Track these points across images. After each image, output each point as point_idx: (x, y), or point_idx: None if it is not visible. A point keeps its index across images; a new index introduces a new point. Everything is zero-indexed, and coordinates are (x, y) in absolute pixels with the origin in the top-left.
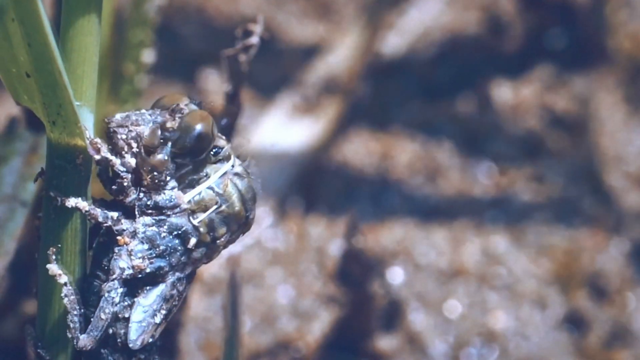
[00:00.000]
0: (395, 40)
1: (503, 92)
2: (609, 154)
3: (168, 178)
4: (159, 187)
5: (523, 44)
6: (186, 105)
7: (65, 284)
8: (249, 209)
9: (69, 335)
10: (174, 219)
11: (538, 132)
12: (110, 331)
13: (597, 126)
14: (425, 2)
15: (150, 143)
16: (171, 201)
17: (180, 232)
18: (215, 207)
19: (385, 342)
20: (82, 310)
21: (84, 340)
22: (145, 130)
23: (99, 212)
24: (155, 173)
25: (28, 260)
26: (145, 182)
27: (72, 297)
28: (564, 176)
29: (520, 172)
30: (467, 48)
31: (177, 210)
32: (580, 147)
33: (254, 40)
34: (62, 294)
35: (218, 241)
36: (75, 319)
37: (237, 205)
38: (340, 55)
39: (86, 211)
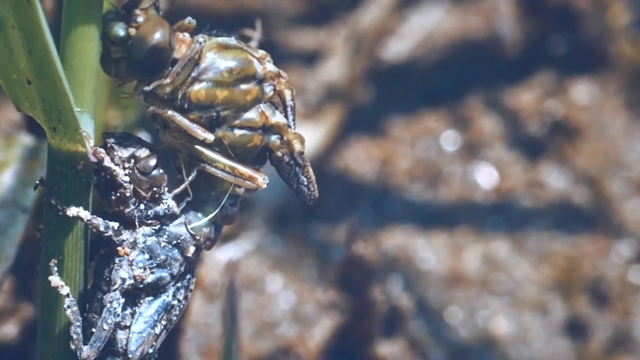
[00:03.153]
0: (397, 45)
1: (504, 98)
2: (610, 160)
3: (165, 189)
4: (158, 199)
5: (524, 49)
6: (146, 9)
7: (67, 295)
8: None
9: (72, 347)
10: (172, 229)
11: (539, 138)
12: (112, 337)
13: (598, 132)
14: (427, 8)
15: (143, 168)
16: (169, 210)
17: (179, 241)
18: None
19: (386, 348)
20: (83, 318)
21: (87, 352)
22: (141, 153)
23: (100, 222)
24: (154, 188)
25: (28, 265)
26: (143, 195)
27: (75, 308)
28: (565, 182)
29: (521, 178)
30: (468, 54)
31: (175, 218)
32: (581, 153)
33: (253, 45)
34: (65, 305)
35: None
36: (79, 330)
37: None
38: (340, 60)
39: (87, 220)
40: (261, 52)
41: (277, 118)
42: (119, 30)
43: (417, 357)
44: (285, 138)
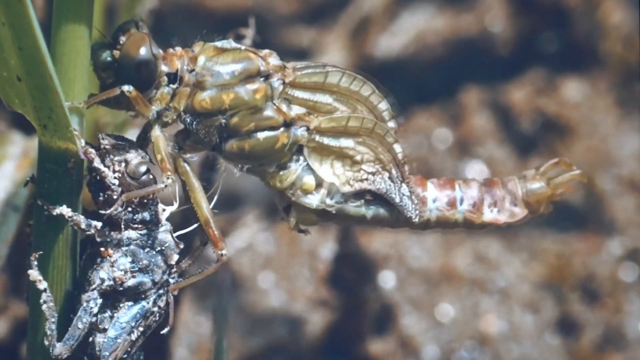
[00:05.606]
0: (388, 43)
1: (495, 96)
2: (601, 157)
3: (152, 195)
4: (145, 204)
5: (515, 47)
6: (128, 31)
7: (44, 290)
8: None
9: (46, 343)
10: (158, 235)
11: (530, 135)
12: (90, 339)
13: (589, 130)
14: (419, 6)
15: (133, 173)
16: (156, 217)
17: (163, 247)
18: None
19: (377, 346)
20: (68, 318)
21: (60, 349)
22: (133, 158)
23: (82, 219)
24: None
25: (19, 264)
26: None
27: (51, 304)
28: None
29: (512, 176)
30: (460, 51)
31: (161, 225)
32: (572, 151)
33: (247, 42)
34: (41, 300)
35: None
36: (53, 326)
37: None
38: (332, 58)
39: (69, 217)
40: (265, 51)
41: (295, 110)
42: (104, 55)
43: (409, 354)
44: (312, 127)
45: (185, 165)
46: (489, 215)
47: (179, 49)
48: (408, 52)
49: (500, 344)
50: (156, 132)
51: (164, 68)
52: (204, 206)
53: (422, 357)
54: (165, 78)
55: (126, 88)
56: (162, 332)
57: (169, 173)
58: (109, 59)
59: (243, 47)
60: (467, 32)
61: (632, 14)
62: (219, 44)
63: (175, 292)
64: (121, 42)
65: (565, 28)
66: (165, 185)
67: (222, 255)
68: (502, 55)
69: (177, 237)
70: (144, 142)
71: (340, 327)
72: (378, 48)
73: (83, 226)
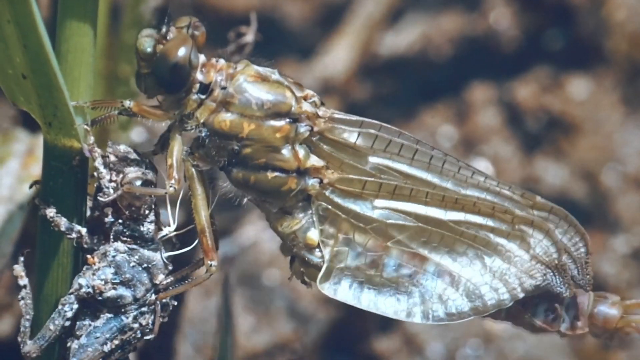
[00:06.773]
0: (393, 41)
1: (500, 93)
2: (606, 155)
3: (147, 212)
4: (138, 219)
5: (520, 45)
6: (180, 28)
7: (24, 286)
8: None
9: (19, 339)
10: (146, 252)
11: (535, 133)
12: (68, 344)
13: (594, 127)
14: (424, 4)
15: (127, 186)
16: (148, 233)
17: (149, 265)
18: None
19: (382, 344)
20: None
21: (29, 347)
22: (131, 172)
23: (63, 222)
24: (133, 207)
25: (25, 261)
26: (123, 210)
27: (29, 301)
28: (561, 177)
29: (517, 173)
30: (465, 49)
31: (152, 243)
32: (578, 148)
33: (249, 38)
34: (20, 296)
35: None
36: (27, 324)
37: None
38: (338, 56)
39: (50, 217)
40: (307, 92)
41: (313, 160)
42: (146, 45)
43: (413, 352)
44: (326, 181)
45: (193, 170)
46: (541, 318)
47: (222, 62)
48: (413, 50)
49: (505, 342)
50: (175, 136)
51: (199, 76)
52: (203, 214)
53: (427, 354)
54: (198, 86)
55: (127, 103)
56: (146, 338)
57: (173, 181)
58: (149, 50)
59: (286, 83)
60: (472, 30)
61: (637, 12)
62: (262, 70)
63: (164, 300)
64: (167, 38)
65: (570, 25)
66: (166, 192)
67: (211, 265)
68: (507, 53)
69: (172, 257)
70: (165, 142)
71: (345, 325)
72: (383, 46)
73: (63, 228)
